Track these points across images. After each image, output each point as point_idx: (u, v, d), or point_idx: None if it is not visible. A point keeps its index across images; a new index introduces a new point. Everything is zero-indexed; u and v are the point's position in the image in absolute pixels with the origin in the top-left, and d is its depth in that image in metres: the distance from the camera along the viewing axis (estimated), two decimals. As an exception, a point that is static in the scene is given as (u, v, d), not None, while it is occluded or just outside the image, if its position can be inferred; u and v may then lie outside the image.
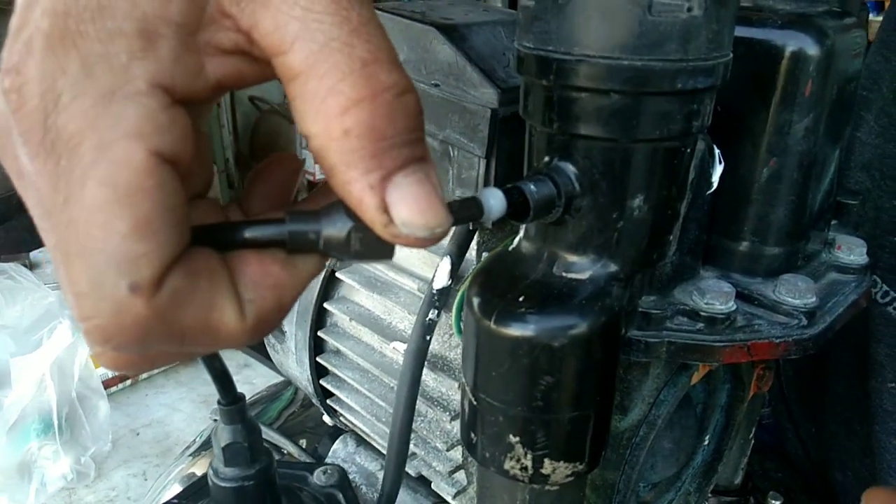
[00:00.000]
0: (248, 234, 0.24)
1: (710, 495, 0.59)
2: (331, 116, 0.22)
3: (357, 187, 0.23)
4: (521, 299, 0.33)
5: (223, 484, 0.41)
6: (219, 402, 0.41)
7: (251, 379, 1.52)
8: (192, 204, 0.25)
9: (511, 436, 0.35)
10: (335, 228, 0.24)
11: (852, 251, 0.45)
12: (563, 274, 0.35)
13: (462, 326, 0.38)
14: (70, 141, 0.21)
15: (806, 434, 0.80)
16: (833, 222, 0.50)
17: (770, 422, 0.89)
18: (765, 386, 0.54)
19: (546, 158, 0.33)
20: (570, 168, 0.33)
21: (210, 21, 0.22)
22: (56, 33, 0.21)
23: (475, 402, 0.36)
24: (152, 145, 0.21)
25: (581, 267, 0.34)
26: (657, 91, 0.30)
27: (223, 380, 0.40)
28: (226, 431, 0.41)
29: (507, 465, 0.35)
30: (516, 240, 0.38)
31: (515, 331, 0.33)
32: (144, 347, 0.22)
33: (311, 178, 2.35)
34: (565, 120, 0.32)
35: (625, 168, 0.32)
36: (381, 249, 0.25)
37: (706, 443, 0.54)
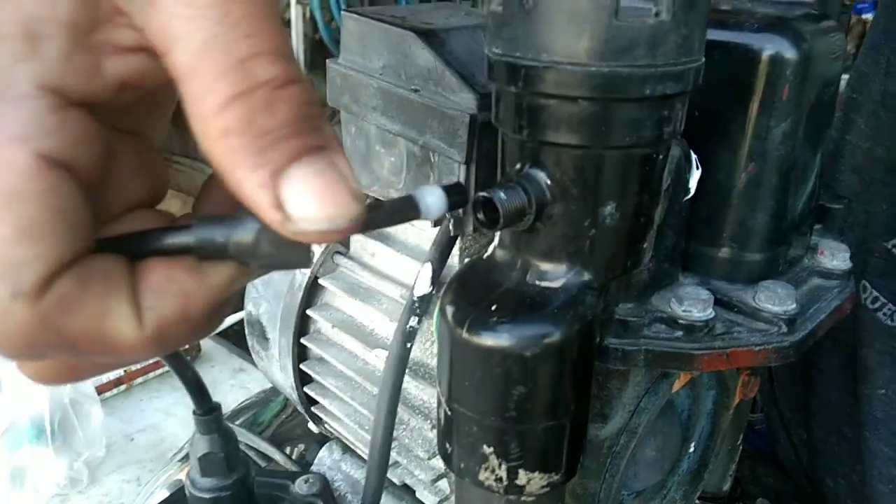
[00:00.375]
0: (155, 241, 0.23)
1: (697, 502, 0.58)
2: (209, 116, 0.21)
3: (247, 186, 0.22)
4: (493, 308, 0.33)
5: (200, 494, 0.41)
6: (194, 412, 0.40)
7: (246, 384, 1.51)
8: (131, 214, 0.24)
9: (485, 446, 0.34)
10: (244, 232, 0.23)
11: (835, 256, 0.45)
12: (536, 282, 0.34)
13: (439, 334, 0.38)
14: None
15: (798, 440, 0.79)
16: (818, 227, 0.49)
17: (762, 427, 0.88)
18: (750, 392, 0.53)
19: (517, 165, 0.33)
20: (541, 175, 0.32)
21: (105, 19, 0.22)
22: None
23: (449, 412, 0.35)
24: (38, 148, 0.20)
25: (554, 275, 0.34)
26: (626, 97, 0.29)
27: (196, 389, 0.40)
28: (202, 441, 0.41)
29: (482, 475, 0.35)
30: (491, 248, 0.37)
31: (487, 340, 0.32)
32: (36, 355, 0.22)
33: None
34: (535, 127, 0.31)
35: (596, 175, 0.32)
36: (296, 254, 0.24)
37: (691, 450, 0.53)
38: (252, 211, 0.22)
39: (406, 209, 0.26)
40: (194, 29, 0.21)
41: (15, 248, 0.20)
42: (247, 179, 0.21)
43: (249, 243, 0.23)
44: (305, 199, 0.22)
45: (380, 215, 0.25)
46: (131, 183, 0.24)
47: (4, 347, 0.21)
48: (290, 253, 0.24)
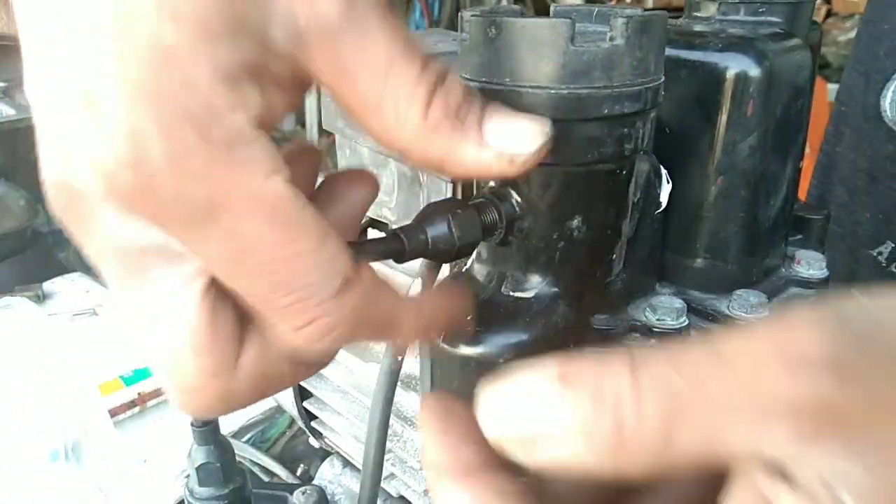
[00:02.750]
0: (373, 248, 0.30)
1: None
2: (418, 122, 0.26)
3: (471, 156, 0.27)
4: (469, 318, 0.35)
5: (198, 504, 0.43)
6: (191, 424, 0.42)
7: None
8: None
9: (465, 451, 0.36)
10: (438, 227, 0.31)
11: (811, 266, 0.46)
12: (511, 293, 0.36)
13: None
14: (219, 202, 0.23)
15: None
16: (798, 237, 0.50)
17: None
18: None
19: (490, 183, 0.35)
20: (511, 192, 0.34)
21: (273, 56, 0.24)
22: (150, 105, 0.22)
23: None
24: (282, 172, 0.24)
25: (527, 286, 0.36)
26: (585, 117, 0.31)
27: (196, 402, 0.42)
28: (200, 452, 0.42)
29: (463, 480, 0.36)
30: (469, 261, 0.39)
31: (463, 349, 0.34)
32: (353, 339, 0.27)
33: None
34: (503, 146, 0.33)
35: (561, 191, 0.33)
36: (472, 230, 0.32)
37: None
38: (480, 173, 0.28)
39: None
40: (372, 54, 0.25)
41: (323, 253, 0.25)
42: (469, 151, 0.27)
43: (445, 231, 0.31)
44: (504, 134, 0.27)
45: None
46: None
47: (331, 337, 0.26)
48: (469, 230, 0.32)
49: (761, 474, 0.19)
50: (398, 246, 0.30)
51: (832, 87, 2.17)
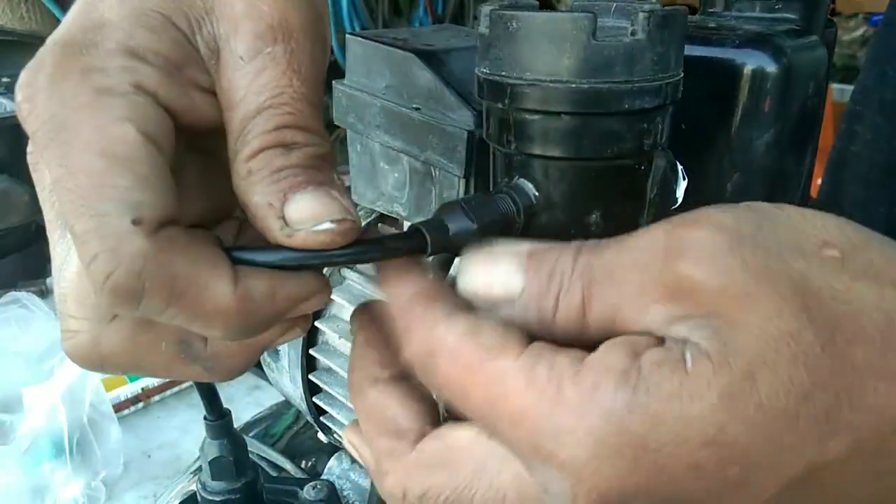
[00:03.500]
0: (392, 243, 0.31)
1: None
2: (241, 163, 0.28)
3: (259, 209, 0.28)
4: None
5: (211, 498, 0.43)
6: (205, 418, 0.42)
7: (262, 401, 1.53)
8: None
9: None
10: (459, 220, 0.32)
11: (825, 263, 0.46)
12: (528, 288, 0.36)
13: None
14: (72, 128, 0.26)
15: None
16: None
17: None
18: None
19: (507, 178, 0.35)
20: (529, 186, 0.34)
21: (193, 63, 0.29)
22: (64, 51, 0.27)
23: (446, 415, 0.37)
24: (141, 127, 0.26)
25: (544, 281, 0.36)
26: (605, 112, 0.31)
27: (210, 396, 0.42)
28: (212, 446, 0.42)
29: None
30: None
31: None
32: (136, 293, 0.26)
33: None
34: (521, 141, 0.33)
35: (580, 186, 0.33)
36: (492, 223, 0.32)
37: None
38: (261, 229, 0.28)
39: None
40: (251, 97, 0.28)
41: (134, 193, 0.25)
42: (260, 204, 0.28)
43: (467, 224, 0.31)
44: (299, 211, 0.27)
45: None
46: (193, 197, 0.31)
47: (116, 275, 0.25)
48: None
49: (637, 336, 0.25)
50: (420, 241, 0.30)
51: (836, 87, 2.17)
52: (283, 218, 0.27)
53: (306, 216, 0.27)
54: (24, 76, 0.27)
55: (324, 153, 0.29)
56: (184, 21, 0.28)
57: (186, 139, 0.29)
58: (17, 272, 1.78)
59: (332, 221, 0.27)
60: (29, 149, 0.29)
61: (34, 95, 0.27)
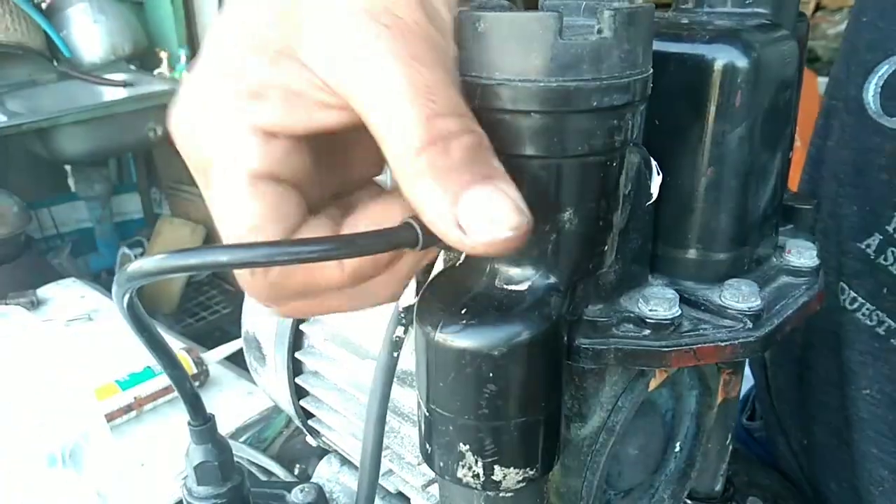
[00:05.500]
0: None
1: (688, 502, 0.59)
2: (405, 164, 0.29)
3: (435, 213, 0.29)
4: (463, 311, 0.35)
5: (196, 503, 0.43)
6: (189, 424, 0.42)
7: (255, 407, 1.52)
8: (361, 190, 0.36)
9: (461, 444, 0.36)
10: None
11: (802, 255, 0.46)
12: (504, 286, 0.36)
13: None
14: (206, 165, 0.31)
15: (797, 446, 0.79)
16: (789, 227, 0.51)
17: (762, 434, 0.88)
18: (732, 391, 0.54)
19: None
20: (503, 185, 0.34)
21: (313, 86, 0.30)
22: (196, 95, 0.31)
23: (428, 414, 0.37)
24: (249, 167, 0.30)
25: (520, 278, 0.36)
26: (575, 109, 0.32)
27: (193, 401, 0.42)
28: (197, 451, 0.43)
29: (460, 473, 0.37)
30: (462, 255, 0.39)
31: (458, 342, 0.34)
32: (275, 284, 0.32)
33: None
34: (494, 140, 0.33)
35: (553, 183, 0.34)
36: None
37: (678, 450, 0.54)
38: (438, 234, 0.30)
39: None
40: (385, 93, 0.28)
41: (252, 234, 0.31)
42: (434, 208, 0.29)
43: None
44: (475, 216, 0.29)
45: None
46: (359, 161, 0.36)
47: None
48: None
49: None
50: (411, 235, 0.30)
51: (822, 81, 2.18)
52: (459, 227, 0.29)
53: (483, 223, 0.28)
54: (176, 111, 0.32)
55: (480, 140, 0.30)
56: (296, 43, 0.29)
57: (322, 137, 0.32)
58: (6, 284, 1.78)
59: (510, 229, 0.29)
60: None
61: (179, 125, 0.32)
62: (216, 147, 0.30)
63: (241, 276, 0.32)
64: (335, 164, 0.35)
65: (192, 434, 0.42)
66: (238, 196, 0.30)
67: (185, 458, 0.44)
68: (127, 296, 0.33)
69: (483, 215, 0.28)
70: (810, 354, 0.73)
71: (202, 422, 0.43)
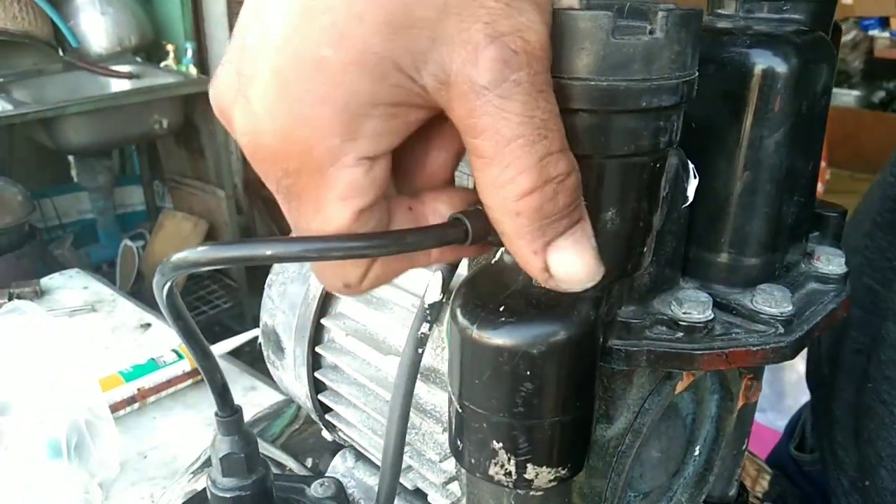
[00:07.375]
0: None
1: (703, 506, 0.59)
2: (508, 200, 0.29)
3: (524, 252, 0.31)
4: (501, 309, 0.35)
5: (221, 494, 0.43)
6: (216, 414, 0.42)
7: (258, 401, 1.53)
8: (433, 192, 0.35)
9: (494, 441, 0.36)
10: None
11: (831, 262, 0.46)
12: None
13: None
14: (299, 198, 0.29)
15: (857, 487, 0.66)
16: (815, 234, 0.51)
17: (817, 469, 0.78)
18: (753, 397, 0.54)
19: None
20: (546, 183, 0.34)
21: (408, 102, 0.29)
22: (292, 106, 0.28)
23: (461, 410, 0.37)
24: (355, 206, 0.29)
25: (559, 277, 0.36)
26: (623, 109, 0.32)
27: (222, 392, 0.42)
28: (224, 442, 0.42)
29: (492, 470, 0.37)
30: (498, 253, 0.39)
31: (496, 339, 0.34)
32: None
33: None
34: (539, 138, 0.33)
35: (597, 183, 0.34)
36: None
37: (697, 453, 0.54)
38: (523, 267, 0.32)
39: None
40: (503, 127, 0.28)
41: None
42: (525, 248, 0.31)
43: None
44: (565, 267, 0.31)
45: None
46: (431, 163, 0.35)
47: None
48: None
49: None
50: (460, 230, 0.31)
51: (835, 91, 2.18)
52: (548, 271, 0.31)
53: (569, 273, 0.32)
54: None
55: (579, 177, 0.31)
56: (408, 59, 0.27)
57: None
58: (11, 273, 1.77)
59: (590, 281, 0.32)
60: None
61: (258, 152, 0.30)
62: (314, 173, 0.28)
63: (331, 270, 0.33)
64: (409, 167, 0.34)
65: (218, 425, 0.42)
66: (341, 227, 0.29)
67: (209, 449, 0.43)
68: (168, 284, 0.33)
69: (569, 268, 0.31)
70: (882, 387, 0.62)
71: (230, 413, 0.42)
